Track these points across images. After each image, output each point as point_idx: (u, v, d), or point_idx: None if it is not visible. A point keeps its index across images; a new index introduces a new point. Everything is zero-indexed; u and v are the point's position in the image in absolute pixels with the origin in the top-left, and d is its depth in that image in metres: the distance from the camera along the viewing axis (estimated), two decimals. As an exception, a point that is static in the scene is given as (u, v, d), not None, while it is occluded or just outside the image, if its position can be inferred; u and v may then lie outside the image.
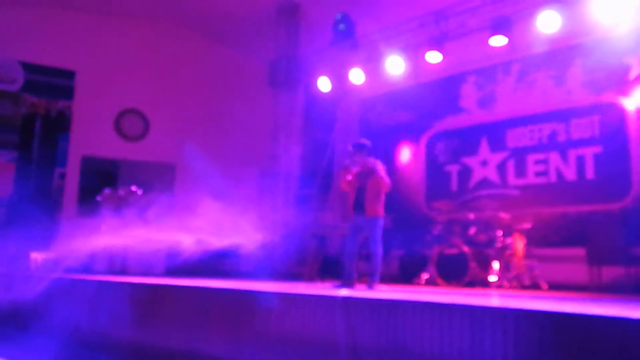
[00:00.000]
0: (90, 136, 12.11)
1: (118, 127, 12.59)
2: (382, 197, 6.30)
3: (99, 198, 9.84)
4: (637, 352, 2.57)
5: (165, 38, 12.87)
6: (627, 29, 7.96)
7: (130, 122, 12.72)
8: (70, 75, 12.04)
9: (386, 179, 6.31)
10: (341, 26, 10.20)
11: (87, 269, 8.62)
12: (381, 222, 6.30)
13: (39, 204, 10.35)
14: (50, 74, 11.87)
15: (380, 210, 6.28)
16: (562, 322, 2.82)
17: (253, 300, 4.67)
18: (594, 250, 7.33)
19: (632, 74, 7.98)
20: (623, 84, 8.04)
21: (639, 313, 2.86)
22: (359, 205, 6.34)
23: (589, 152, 8.27)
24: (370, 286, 6.23)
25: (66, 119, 11.96)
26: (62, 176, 11.77)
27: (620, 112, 8.03)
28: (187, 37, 13.02)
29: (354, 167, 6.48)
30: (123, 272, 9.08)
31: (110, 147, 12.44)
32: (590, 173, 8.22)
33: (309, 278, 8.37)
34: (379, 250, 6.27)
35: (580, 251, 7.56)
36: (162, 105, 12.86)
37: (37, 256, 9.22)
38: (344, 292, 4.19)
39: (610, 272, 7.44)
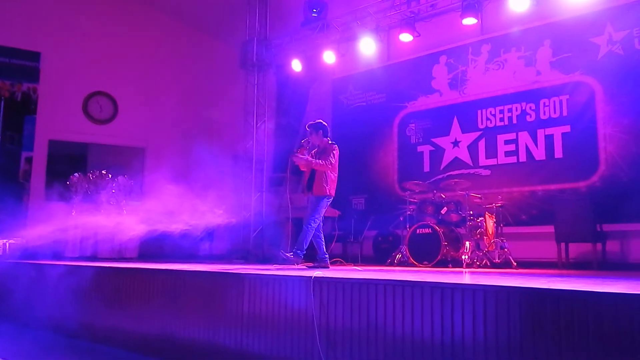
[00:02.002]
0: (58, 119, 11.85)
1: (86, 110, 12.34)
2: (331, 176, 6.30)
3: (68, 182, 9.67)
4: (600, 324, 2.63)
5: (134, 19, 12.61)
6: (595, 10, 8.06)
7: (99, 105, 12.48)
8: (35, 56, 11.72)
9: (330, 161, 6.30)
10: (314, 11, 10.14)
11: (57, 254, 8.50)
12: (323, 202, 6.31)
13: (5, 189, 10.12)
14: (14, 55, 11.54)
15: (327, 189, 6.29)
16: (529, 297, 2.88)
17: (226, 283, 4.66)
18: (561, 228, 7.47)
19: (600, 54, 8.09)
20: (591, 64, 8.15)
21: (603, 287, 2.93)
22: (309, 184, 6.38)
23: (557, 131, 8.38)
24: (285, 259, 6.23)
25: (32, 101, 11.67)
26: (29, 160, 11.52)
27: (588, 92, 8.15)
28: (157, 18, 12.79)
29: (311, 147, 6.50)
30: (95, 257, 8.98)
31: (79, 131, 12.20)
32: (558, 152, 8.34)
33: (282, 260, 8.37)
34: (310, 225, 6.25)
35: (548, 229, 7.71)
36: (131, 87, 12.64)
37: (5, 242, 9.04)
38: (317, 273, 4.21)
39: (578, 249, 7.61)
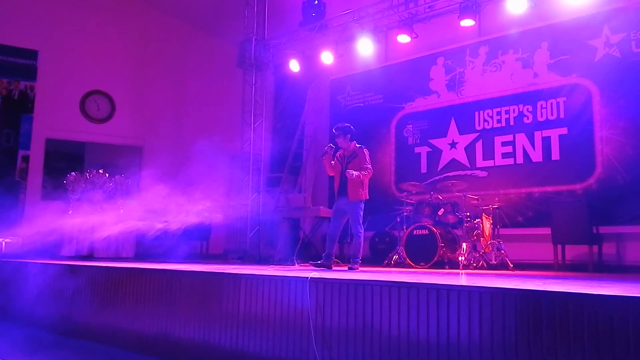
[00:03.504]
0: (55, 118, 11.83)
1: (83, 109, 12.32)
2: (365, 181, 6.37)
3: (65, 181, 9.66)
4: (595, 326, 2.64)
5: (132, 18, 12.59)
6: (592, 12, 8.08)
7: (96, 104, 12.46)
8: (33, 55, 11.70)
9: (369, 166, 6.43)
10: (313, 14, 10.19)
11: (53, 253, 8.49)
12: (362, 205, 6.39)
13: (2, 188, 10.11)
14: (11, 53, 11.51)
15: (363, 193, 6.37)
16: (525, 299, 2.88)
17: (222, 283, 4.66)
18: (558, 230, 7.49)
19: (597, 56, 8.10)
20: (588, 66, 8.17)
21: (598, 290, 2.93)
22: (342, 189, 6.40)
23: (554, 133, 8.40)
24: (352, 268, 6.30)
25: (29, 100, 11.65)
26: (26, 159, 11.49)
27: (585, 94, 8.17)
28: (155, 17, 12.77)
29: (335, 150, 6.54)
30: (91, 256, 8.97)
31: (76, 129, 12.18)
32: (555, 154, 8.36)
33: (280, 260, 8.37)
34: (360, 231, 6.35)
35: (545, 231, 7.72)
36: (129, 86, 12.63)
37: (1, 241, 9.03)
38: (314, 273, 4.21)
39: (574, 251, 7.63)
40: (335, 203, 6.61)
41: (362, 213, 6.43)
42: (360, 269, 6.40)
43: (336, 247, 6.97)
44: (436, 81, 9.93)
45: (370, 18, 9.54)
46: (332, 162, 6.55)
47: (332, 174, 6.66)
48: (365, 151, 6.50)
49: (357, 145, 6.54)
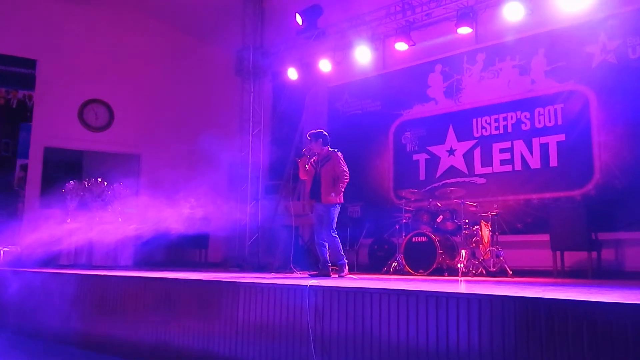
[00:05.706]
0: (53, 126, 11.84)
1: (82, 118, 12.33)
2: (338, 185, 6.36)
3: (63, 190, 9.66)
4: (594, 333, 2.64)
5: (130, 26, 12.62)
6: (589, 19, 8.12)
7: (94, 113, 12.48)
8: (31, 64, 11.72)
9: (343, 168, 6.41)
10: (299, 19, 10.16)
11: (52, 262, 8.47)
12: (335, 210, 6.38)
13: (0, 197, 10.10)
14: (10, 62, 11.53)
15: (336, 197, 6.34)
16: (524, 306, 2.88)
17: (221, 291, 4.65)
18: (557, 236, 7.48)
19: (594, 63, 8.13)
20: (585, 73, 8.19)
21: (597, 297, 2.94)
22: (315, 193, 6.43)
23: (552, 140, 8.41)
24: (340, 275, 6.30)
25: (27, 108, 11.66)
26: (24, 168, 11.49)
27: (583, 100, 8.19)
28: (153, 26, 12.80)
29: (311, 155, 6.57)
30: (89, 264, 8.95)
31: (74, 138, 12.18)
32: (553, 160, 8.36)
33: (279, 268, 8.36)
34: (332, 237, 6.35)
35: (544, 237, 7.72)
36: (127, 95, 12.64)
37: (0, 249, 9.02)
38: (313, 281, 4.21)
39: (573, 257, 7.62)
40: (313, 208, 6.62)
41: (335, 218, 6.40)
42: (360, 276, 6.38)
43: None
44: (434, 88, 9.96)
45: (367, 26, 9.58)
46: (307, 167, 6.57)
47: (305, 178, 6.71)
48: (339, 154, 6.52)
49: (330, 149, 6.57)
